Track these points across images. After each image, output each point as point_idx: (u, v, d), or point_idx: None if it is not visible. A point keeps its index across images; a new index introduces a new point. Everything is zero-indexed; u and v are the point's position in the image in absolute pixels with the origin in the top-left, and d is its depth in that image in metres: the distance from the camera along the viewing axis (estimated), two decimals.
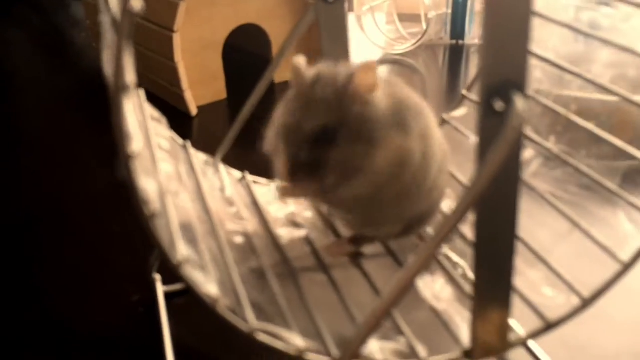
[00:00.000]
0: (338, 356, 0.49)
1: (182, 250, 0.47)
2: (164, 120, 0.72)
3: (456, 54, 1.85)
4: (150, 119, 0.66)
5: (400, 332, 0.55)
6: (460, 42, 1.88)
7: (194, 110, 1.41)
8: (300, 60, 0.56)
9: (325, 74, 0.54)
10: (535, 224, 0.64)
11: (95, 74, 1.72)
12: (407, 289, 0.47)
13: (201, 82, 1.43)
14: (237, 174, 0.81)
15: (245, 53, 1.64)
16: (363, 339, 0.49)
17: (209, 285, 0.47)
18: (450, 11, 1.84)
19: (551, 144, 0.62)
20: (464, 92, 0.78)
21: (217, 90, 1.49)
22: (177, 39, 1.32)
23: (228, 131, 0.78)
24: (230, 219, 0.67)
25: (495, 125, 0.42)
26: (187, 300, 0.82)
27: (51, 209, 1.06)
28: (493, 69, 0.41)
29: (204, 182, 0.69)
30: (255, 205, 0.72)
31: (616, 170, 0.71)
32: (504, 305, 0.52)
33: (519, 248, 0.53)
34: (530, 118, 0.76)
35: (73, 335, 0.77)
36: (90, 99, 1.54)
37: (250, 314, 0.50)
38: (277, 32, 1.53)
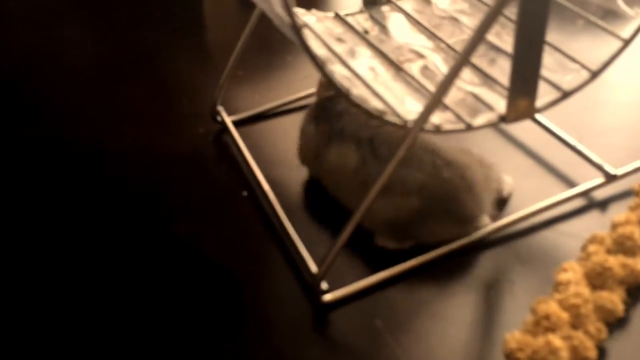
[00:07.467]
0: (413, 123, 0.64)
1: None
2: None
3: None
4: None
5: (448, 108, 0.70)
6: None
7: None
8: None
9: None
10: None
11: None
12: (454, 77, 0.61)
13: None
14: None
15: None
16: (430, 110, 0.63)
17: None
18: None
19: None
20: None
21: None
22: None
23: None
24: None
25: None
26: (250, 126, 0.96)
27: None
28: None
29: None
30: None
31: None
32: (532, 85, 0.67)
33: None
34: None
35: (157, 159, 0.92)
36: None
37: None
38: None
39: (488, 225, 0.75)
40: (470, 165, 0.74)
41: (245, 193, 0.83)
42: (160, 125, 0.99)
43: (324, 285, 0.67)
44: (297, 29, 0.57)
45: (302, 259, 0.71)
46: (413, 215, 0.71)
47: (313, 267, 0.69)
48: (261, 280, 0.72)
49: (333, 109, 0.81)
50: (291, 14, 0.56)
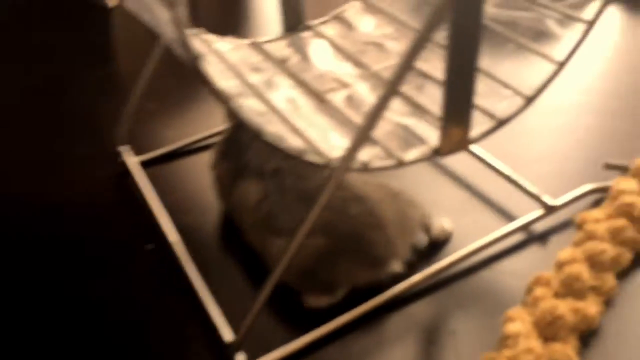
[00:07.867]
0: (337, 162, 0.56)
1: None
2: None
3: None
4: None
5: (376, 142, 0.63)
6: None
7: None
8: None
9: None
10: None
11: None
12: (382, 109, 0.55)
13: None
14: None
15: None
16: (356, 147, 0.56)
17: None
18: None
19: None
20: None
21: None
22: None
23: None
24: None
25: None
26: (160, 166, 0.86)
27: None
28: None
29: None
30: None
31: None
32: (466, 115, 0.62)
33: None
34: None
35: (48, 210, 0.80)
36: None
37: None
38: None
39: (403, 270, 0.67)
40: (383, 200, 0.67)
41: (150, 246, 0.73)
42: (55, 170, 0.87)
43: (241, 358, 0.57)
44: (191, 56, 0.48)
45: (215, 326, 0.62)
46: (321, 256, 0.63)
47: (227, 336, 0.59)
48: (170, 353, 0.62)
49: (240, 141, 0.73)
50: (185, 42, 0.48)
